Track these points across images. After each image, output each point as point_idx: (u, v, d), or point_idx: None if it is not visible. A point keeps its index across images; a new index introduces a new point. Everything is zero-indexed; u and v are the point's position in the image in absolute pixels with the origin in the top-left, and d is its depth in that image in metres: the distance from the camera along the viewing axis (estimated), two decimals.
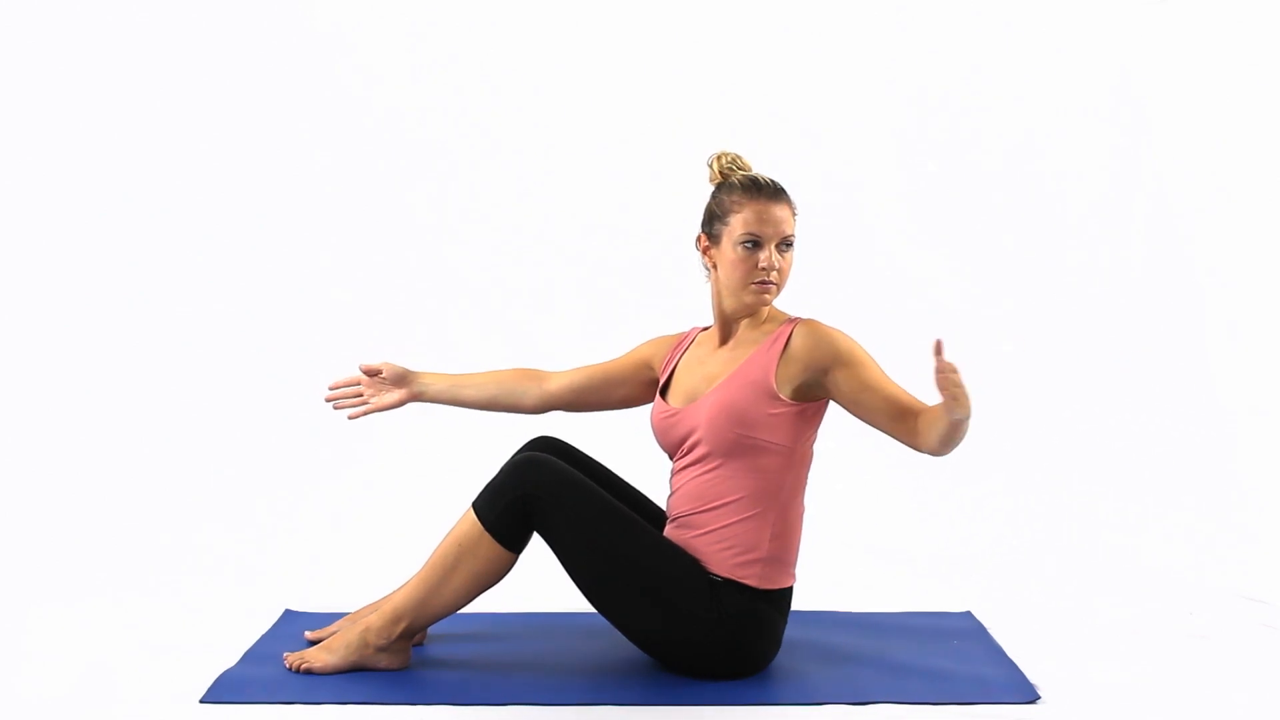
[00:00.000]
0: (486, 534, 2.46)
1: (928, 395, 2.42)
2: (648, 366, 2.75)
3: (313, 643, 2.72)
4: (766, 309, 2.58)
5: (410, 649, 2.60)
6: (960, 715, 2.37)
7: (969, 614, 3.00)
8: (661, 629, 2.47)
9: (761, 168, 2.61)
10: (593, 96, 4.62)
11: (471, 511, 2.49)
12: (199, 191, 4.58)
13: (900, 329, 4.49)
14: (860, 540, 3.70)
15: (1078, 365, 4.48)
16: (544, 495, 2.45)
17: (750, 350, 2.54)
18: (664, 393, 2.67)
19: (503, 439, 3.00)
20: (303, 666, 2.54)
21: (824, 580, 3.22)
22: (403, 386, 2.78)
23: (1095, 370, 4.46)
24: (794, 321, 2.54)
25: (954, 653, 2.71)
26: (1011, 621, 2.95)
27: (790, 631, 2.71)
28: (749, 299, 2.54)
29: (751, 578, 2.49)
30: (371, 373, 2.78)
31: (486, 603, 2.72)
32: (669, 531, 2.59)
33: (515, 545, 2.49)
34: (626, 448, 3.14)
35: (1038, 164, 4.59)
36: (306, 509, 3.95)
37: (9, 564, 3.39)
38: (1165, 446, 4.27)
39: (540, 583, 2.94)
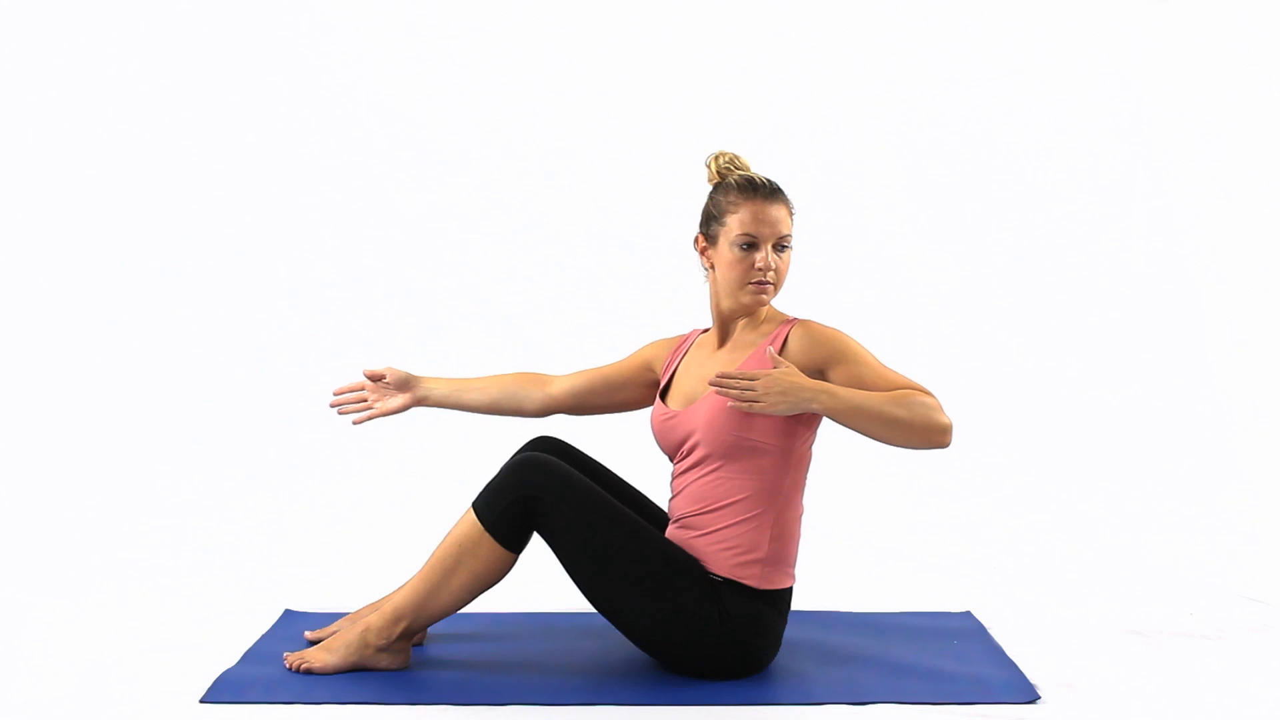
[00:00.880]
0: (486, 534, 2.46)
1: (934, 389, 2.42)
2: (649, 369, 2.76)
3: (313, 643, 2.72)
4: (765, 309, 2.58)
5: (410, 649, 2.60)
6: (960, 715, 2.37)
7: (969, 614, 3.00)
8: (661, 629, 2.47)
9: (762, 167, 2.61)
10: (594, 98, 4.62)
11: (471, 512, 2.49)
12: (204, 193, 4.58)
13: (900, 329, 4.50)
14: (860, 540, 3.70)
15: (1078, 365, 4.48)
16: (544, 495, 2.45)
17: (748, 352, 2.55)
18: (664, 395, 2.67)
19: (503, 439, 3.00)
20: (303, 666, 2.54)
21: (824, 580, 3.22)
22: (406, 391, 2.79)
23: (1095, 370, 4.47)
24: (791, 322, 2.54)
25: (954, 653, 2.71)
26: (1011, 621, 2.95)
27: (790, 631, 2.71)
28: (746, 299, 2.54)
29: (751, 578, 2.49)
30: (375, 378, 2.79)
31: (486, 603, 2.72)
32: (671, 533, 2.59)
33: (515, 545, 2.49)
34: (627, 449, 3.14)
35: (1037, 164, 4.59)
36: (306, 509, 3.95)
37: (9, 564, 3.40)
38: (1165, 446, 4.27)
39: (540, 583, 2.95)
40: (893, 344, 4.43)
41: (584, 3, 4.63)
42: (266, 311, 4.53)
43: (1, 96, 4.56)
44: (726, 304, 2.58)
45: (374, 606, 2.71)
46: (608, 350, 3.01)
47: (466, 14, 4.63)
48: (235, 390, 4.44)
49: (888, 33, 4.60)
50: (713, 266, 2.58)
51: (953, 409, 4.45)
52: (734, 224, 2.52)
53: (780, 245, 2.53)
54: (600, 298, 4.54)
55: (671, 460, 2.64)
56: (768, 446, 2.48)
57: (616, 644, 2.68)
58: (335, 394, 2.82)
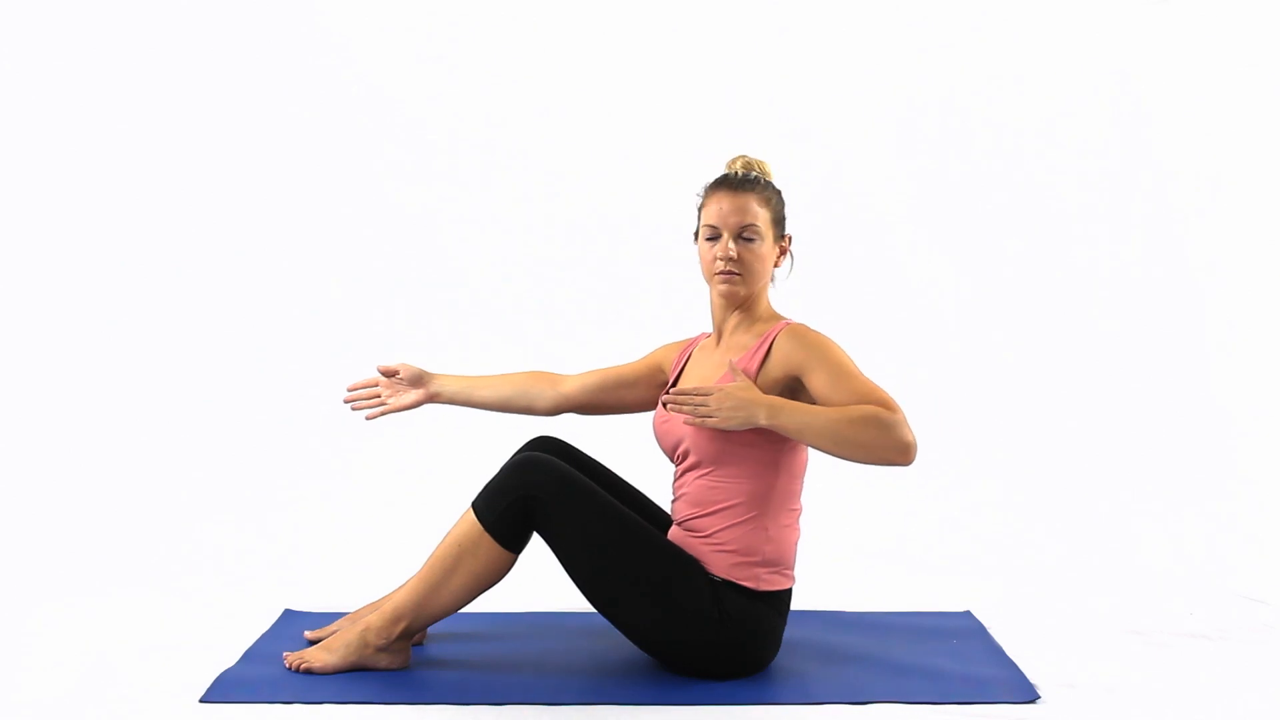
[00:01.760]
0: (486, 534, 2.46)
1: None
2: (660, 370, 2.77)
3: (312, 642, 2.72)
4: (763, 309, 2.58)
5: (410, 649, 2.60)
6: (960, 715, 2.37)
7: (969, 614, 3.00)
8: (661, 628, 2.47)
9: (779, 168, 2.62)
10: (606, 100, 4.61)
11: (471, 512, 2.49)
12: (210, 191, 4.57)
13: (900, 329, 4.50)
14: (860, 540, 3.70)
15: (1078, 365, 4.48)
16: (544, 495, 2.45)
17: (739, 354, 2.55)
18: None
19: (503, 439, 3.00)
20: (302, 666, 2.54)
21: (824, 580, 3.22)
22: (419, 387, 2.81)
23: (1095, 370, 4.46)
24: (783, 324, 2.55)
25: (954, 653, 2.71)
26: (1011, 621, 2.95)
27: (790, 631, 2.71)
28: (719, 288, 2.57)
29: (750, 580, 2.49)
30: (389, 374, 2.82)
31: (486, 603, 2.72)
32: (673, 534, 2.59)
33: (515, 545, 2.49)
34: (627, 449, 3.14)
35: (1037, 164, 4.59)
36: (306, 509, 3.95)
37: (9, 563, 3.40)
38: (1165, 447, 4.27)
39: (540, 583, 2.95)
40: (893, 344, 4.45)
41: (607, 2, 4.62)
42: (268, 311, 4.52)
43: (1, 96, 4.56)
44: (712, 298, 2.62)
45: (374, 606, 2.72)
46: (622, 353, 3.03)
47: (488, 21, 4.61)
48: (235, 390, 4.44)
49: (888, 34, 4.60)
50: None
51: (953, 409, 4.46)
52: (703, 216, 2.59)
53: (745, 236, 2.54)
54: (615, 299, 4.53)
55: (672, 462, 2.64)
56: (756, 453, 2.49)
57: (616, 644, 2.68)
58: (349, 390, 2.84)
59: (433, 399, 2.82)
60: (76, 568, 3.38)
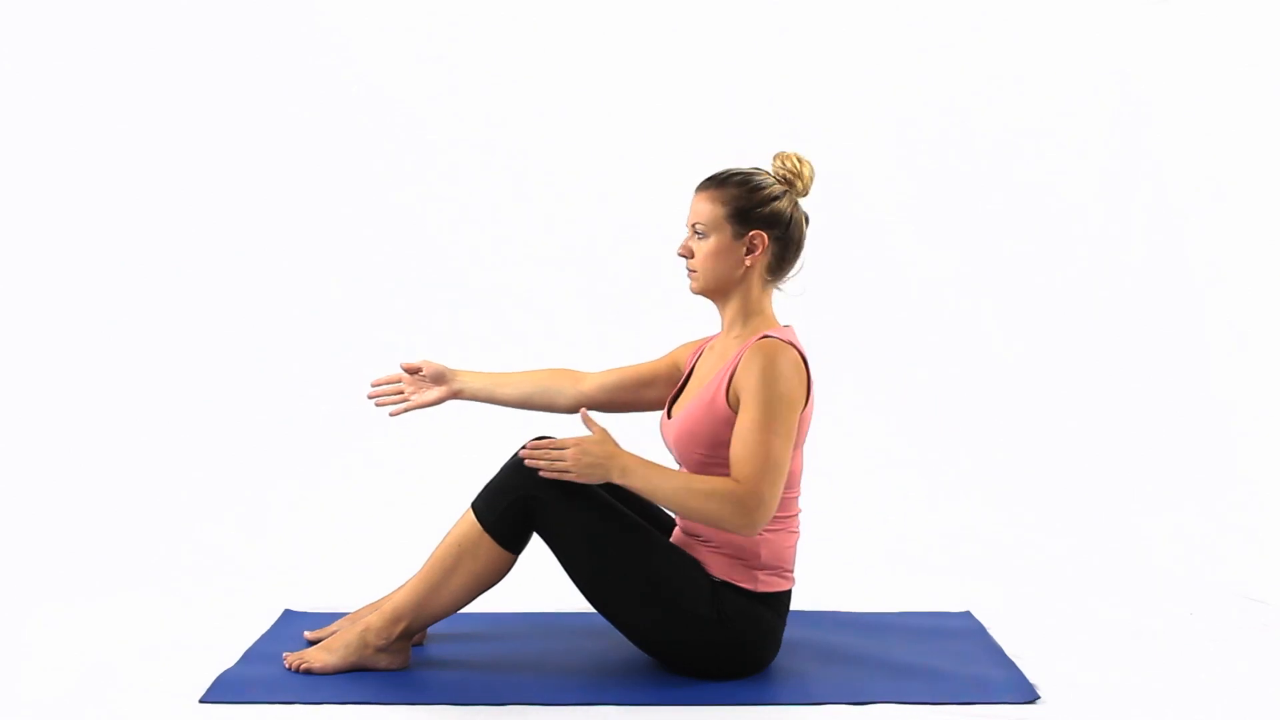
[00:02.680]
0: (486, 535, 2.47)
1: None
2: (678, 369, 2.77)
3: (312, 643, 2.72)
4: (754, 308, 2.56)
5: (410, 649, 2.60)
6: (960, 715, 2.37)
7: (969, 614, 3.00)
8: (661, 629, 2.47)
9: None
10: (606, 100, 4.60)
11: (471, 512, 2.49)
12: (210, 191, 4.56)
13: (900, 328, 4.50)
14: (860, 540, 3.70)
15: (1078, 365, 4.47)
16: (544, 496, 2.45)
17: (721, 364, 2.55)
18: (676, 397, 2.67)
19: (503, 439, 3.00)
20: (302, 666, 2.54)
21: (824, 580, 3.22)
22: (442, 384, 2.82)
23: (1095, 370, 4.46)
24: (758, 337, 2.50)
25: (954, 653, 2.71)
26: (1011, 621, 2.95)
27: (790, 631, 2.71)
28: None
29: (748, 581, 2.50)
30: (412, 370, 2.83)
31: (486, 603, 2.72)
32: (675, 537, 2.59)
33: (515, 546, 2.49)
34: (629, 449, 3.13)
35: (1037, 164, 4.59)
36: (306, 509, 3.94)
37: (9, 564, 3.39)
38: (1166, 446, 4.27)
39: (540, 583, 2.95)
40: (893, 344, 4.45)
41: (615, 3, 4.61)
42: (268, 311, 4.52)
43: (2, 96, 4.56)
44: None
45: (374, 606, 2.72)
46: (622, 353, 3.03)
47: (493, 22, 4.60)
48: (236, 390, 4.43)
49: (888, 34, 4.60)
50: None
51: (953, 408, 4.46)
52: None
53: (696, 232, 2.55)
54: (615, 299, 4.52)
55: (678, 463, 2.64)
56: None
57: (616, 644, 2.68)
58: (373, 385, 2.85)
59: (455, 395, 2.82)
60: (77, 568, 3.37)
